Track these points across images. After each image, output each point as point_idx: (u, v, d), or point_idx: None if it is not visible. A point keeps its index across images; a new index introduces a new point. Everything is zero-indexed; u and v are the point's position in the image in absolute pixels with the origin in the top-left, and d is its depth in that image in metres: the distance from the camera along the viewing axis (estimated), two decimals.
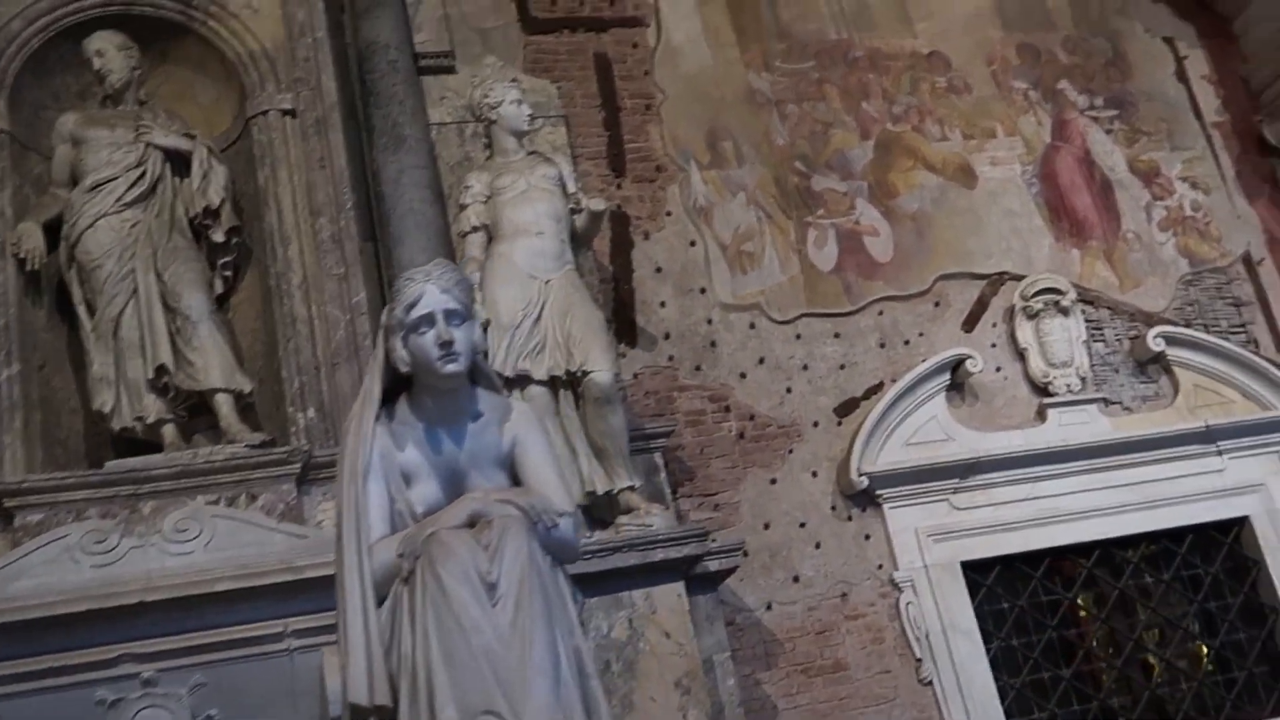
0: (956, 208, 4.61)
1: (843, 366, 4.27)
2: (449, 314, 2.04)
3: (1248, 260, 4.84)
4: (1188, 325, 4.61)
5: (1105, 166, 4.83)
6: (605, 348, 3.46)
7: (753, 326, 4.26)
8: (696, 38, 4.66)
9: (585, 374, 3.39)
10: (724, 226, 4.37)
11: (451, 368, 2.04)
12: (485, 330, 3.32)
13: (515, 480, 2.11)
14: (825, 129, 4.62)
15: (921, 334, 4.38)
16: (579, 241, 3.82)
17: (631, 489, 3.36)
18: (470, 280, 3.22)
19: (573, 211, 3.73)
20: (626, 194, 4.36)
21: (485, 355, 2.97)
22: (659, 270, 4.26)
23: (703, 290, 4.27)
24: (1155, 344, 4.45)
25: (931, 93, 4.78)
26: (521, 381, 3.38)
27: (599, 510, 3.36)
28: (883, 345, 4.34)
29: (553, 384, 3.43)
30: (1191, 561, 4.36)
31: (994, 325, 4.47)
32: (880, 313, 4.38)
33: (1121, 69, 5.04)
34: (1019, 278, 4.50)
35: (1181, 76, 5.11)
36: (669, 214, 4.36)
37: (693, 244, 4.33)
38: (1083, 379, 4.39)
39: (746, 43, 4.70)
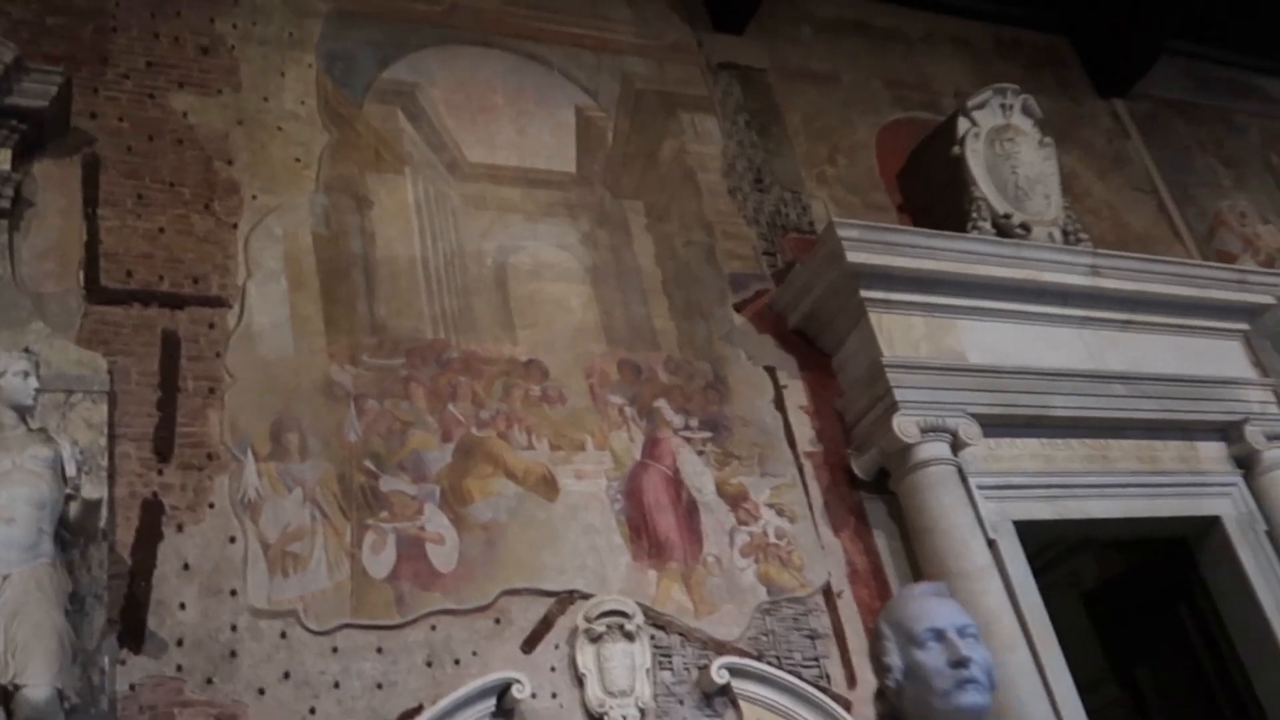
0: (534, 519, 4.47)
1: (380, 685, 3.93)
2: None
3: (828, 591, 4.85)
4: (759, 656, 4.53)
5: (694, 487, 4.83)
6: (50, 658, 3.06)
7: (284, 636, 3.90)
8: (282, 323, 4.50)
9: (17, 688, 2.98)
10: (272, 524, 4.07)
11: None
12: None
13: None
14: (405, 428, 4.47)
15: (475, 653, 4.12)
16: (77, 531, 3.48)
17: None
18: None
19: (69, 499, 3.42)
20: (168, 481, 4.03)
21: None
22: (186, 567, 3.90)
23: (233, 592, 3.92)
24: (719, 675, 4.33)
25: (524, 400, 4.73)
26: None
27: None
28: (429, 664, 4.04)
29: None
30: None
31: (556, 647, 4.26)
32: (433, 627, 4.11)
33: (721, 393, 5.15)
34: (589, 597, 4.36)
35: (779, 405, 5.26)
36: (212, 506, 4.04)
37: (232, 540, 4.00)
38: (642, 710, 4.19)
39: (336, 334, 4.57)
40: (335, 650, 3.95)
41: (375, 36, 5.44)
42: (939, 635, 2.41)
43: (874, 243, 5.23)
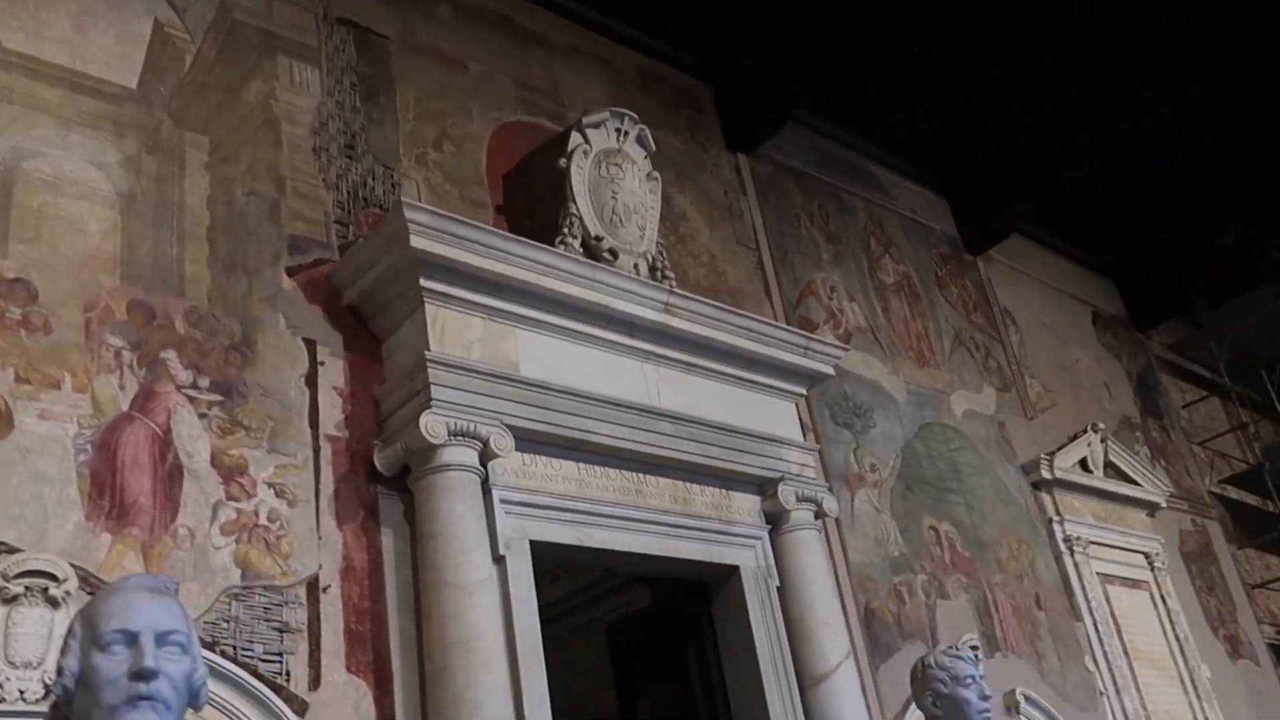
0: None
1: None
2: None
3: (313, 584, 4.54)
4: (213, 644, 4.14)
5: (184, 451, 4.40)
6: None
7: None
8: None
9: None
10: None
11: None
12: None
13: None
14: None
15: None
16: None
17: None
18: None
19: None
20: None
21: None
22: None
23: None
24: None
25: (0, 322, 4.15)
26: None
27: None
28: None
29: None
30: None
31: None
32: None
33: (245, 357, 4.75)
34: (16, 551, 3.83)
35: (311, 381, 4.91)
36: None
37: None
38: (48, 686, 3.70)
39: None
40: None
41: None
42: (130, 639, 2.11)
43: (443, 233, 5.00)
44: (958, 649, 3.56)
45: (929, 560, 7.39)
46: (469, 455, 4.86)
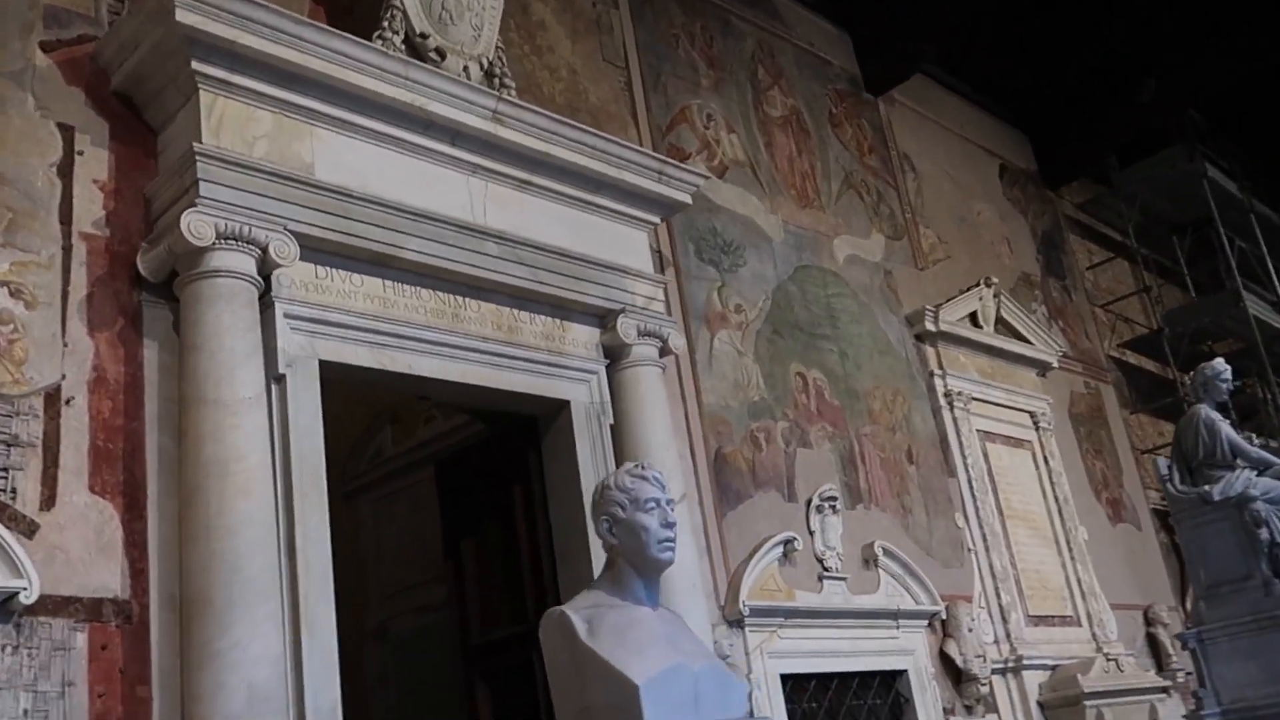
0: None
1: None
2: None
3: (52, 396, 4.06)
4: None
5: None
6: None
7: None
8: None
9: None
10: None
11: None
12: None
13: None
14: None
15: None
16: None
17: None
18: None
19: None
20: None
21: None
22: None
23: None
24: None
25: None
26: None
27: None
28: None
29: None
30: None
31: None
32: None
33: None
34: None
35: (65, 172, 4.35)
36: None
37: None
38: None
39: None
40: None
41: None
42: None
43: (218, 9, 4.38)
44: (643, 468, 3.11)
45: (793, 407, 7.06)
46: (243, 262, 4.35)
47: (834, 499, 6.87)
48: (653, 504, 2.93)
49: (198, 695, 3.79)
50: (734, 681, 2.91)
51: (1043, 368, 9.38)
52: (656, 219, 6.15)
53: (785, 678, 6.24)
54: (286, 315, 4.53)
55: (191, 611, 3.92)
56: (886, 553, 7.10)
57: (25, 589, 3.68)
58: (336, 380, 4.75)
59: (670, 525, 2.94)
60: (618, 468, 3.50)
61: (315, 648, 4.17)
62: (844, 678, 6.64)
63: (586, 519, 5.36)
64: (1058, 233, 10.90)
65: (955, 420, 8.30)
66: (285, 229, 4.49)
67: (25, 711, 3.65)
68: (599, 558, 5.29)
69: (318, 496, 4.39)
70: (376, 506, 7.59)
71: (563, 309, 5.60)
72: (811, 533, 6.73)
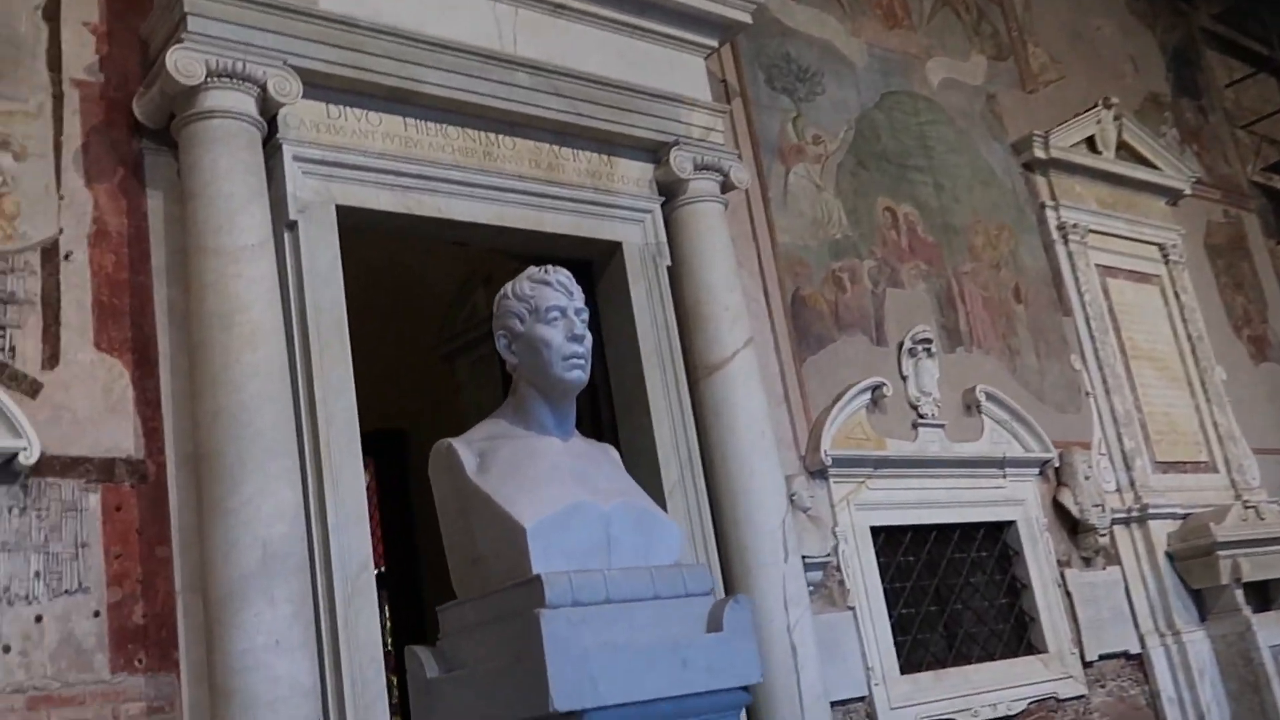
0: None
1: None
2: None
3: (50, 251, 3.87)
4: None
5: None
6: None
7: None
8: None
9: None
10: None
11: None
12: None
13: None
14: None
15: None
16: None
17: None
18: None
19: None
20: None
21: None
22: None
23: None
24: None
25: None
26: None
27: None
28: None
29: None
30: None
31: None
32: None
33: None
34: None
35: (52, 14, 4.11)
36: None
37: None
38: None
39: None
40: None
41: None
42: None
43: None
44: (546, 271, 2.53)
45: (880, 245, 6.53)
46: (241, 101, 4.06)
47: (929, 342, 6.37)
48: (556, 314, 2.41)
49: (213, 554, 3.63)
50: (661, 523, 2.33)
51: (1173, 196, 8.55)
52: (713, 42, 5.63)
53: (876, 530, 5.86)
54: (296, 158, 4.24)
55: (203, 469, 3.73)
56: (990, 398, 6.59)
57: (25, 449, 3.54)
58: (355, 226, 4.45)
59: (579, 339, 2.42)
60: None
61: (341, 505, 3.96)
62: (943, 530, 6.23)
63: (643, 369, 5.04)
64: (1192, 48, 9.86)
65: (1070, 255, 7.62)
66: (285, 64, 4.16)
67: (37, 573, 3.54)
68: (661, 409, 4.98)
69: (340, 348, 4.14)
70: (474, 367, 7.38)
71: (609, 143, 5.18)
72: (904, 378, 6.26)
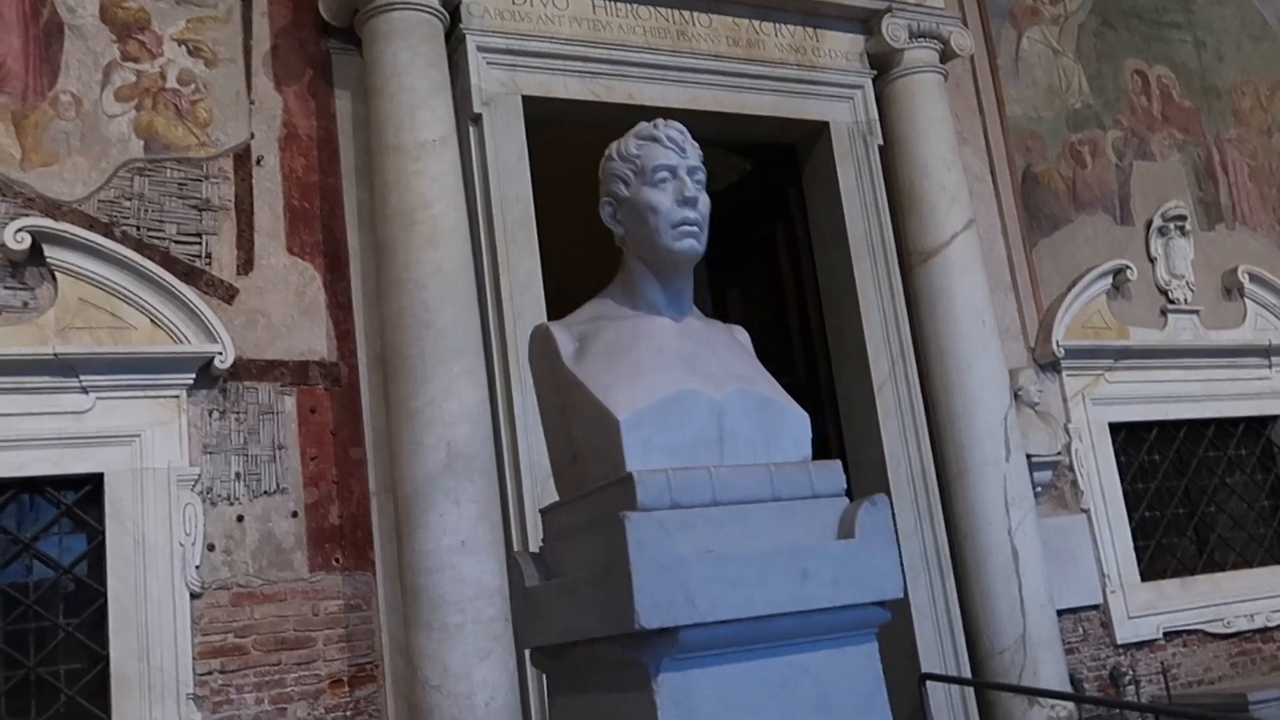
0: None
1: None
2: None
3: (242, 156, 3.90)
4: (110, 225, 3.63)
5: (65, 6, 3.74)
6: None
7: None
8: None
9: None
10: None
11: None
12: None
13: None
14: None
15: None
16: None
17: None
18: None
19: None
20: None
21: None
22: None
23: None
24: (17, 240, 3.45)
25: None
26: None
27: None
28: None
29: None
30: None
31: None
32: None
33: None
34: None
35: None
36: None
37: None
38: None
39: None
40: None
41: None
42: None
43: None
44: (656, 126, 2.06)
45: (1128, 112, 5.87)
46: None
47: (1183, 219, 5.72)
48: (665, 174, 1.99)
49: (400, 455, 3.63)
50: (786, 413, 1.88)
51: None
52: None
53: (1115, 427, 5.38)
54: (480, 48, 4.10)
55: (389, 370, 3.72)
56: (1255, 279, 5.89)
57: (220, 353, 3.61)
58: (540, 118, 4.28)
59: (690, 202, 2.00)
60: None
61: (530, 405, 3.85)
62: (1195, 425, 5.67)
63: (851, 257, 4.71)
64: None
65: None
66: None
67: (237, 475, 3.64)
68: (871, 303, 4.66)
69: (527, 241, 4.03)
70: None
71: (814, 15, 4.79)
72: (1152, 260, 5.66)
